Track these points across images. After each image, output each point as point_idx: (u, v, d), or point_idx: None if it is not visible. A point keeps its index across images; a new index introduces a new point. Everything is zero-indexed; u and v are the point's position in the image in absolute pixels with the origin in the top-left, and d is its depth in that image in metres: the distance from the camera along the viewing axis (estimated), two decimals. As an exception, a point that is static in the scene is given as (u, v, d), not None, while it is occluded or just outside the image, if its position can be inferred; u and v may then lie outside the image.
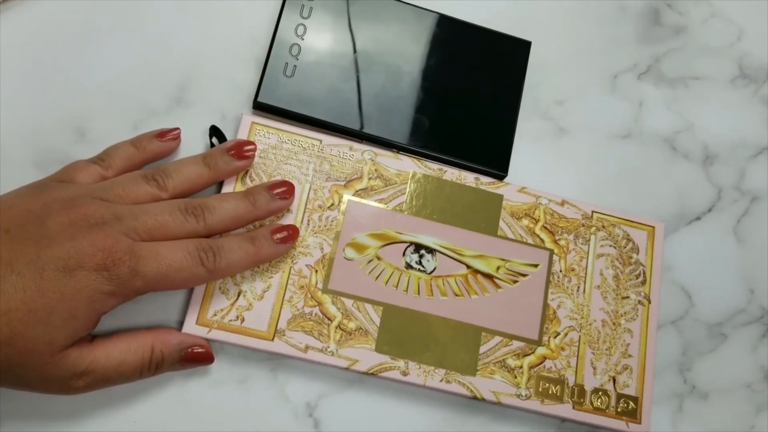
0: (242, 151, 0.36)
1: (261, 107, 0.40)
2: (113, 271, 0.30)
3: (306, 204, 0.38)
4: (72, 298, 0.29)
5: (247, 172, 0.38)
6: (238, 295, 0.36)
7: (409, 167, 0.40)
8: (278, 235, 0.35)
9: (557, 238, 0.41)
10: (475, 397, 0.37)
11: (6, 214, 0.30)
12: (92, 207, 0.31)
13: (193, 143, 0.40)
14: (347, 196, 0.39)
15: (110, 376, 0.32)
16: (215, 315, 0.36)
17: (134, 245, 0.31)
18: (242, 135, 0.38)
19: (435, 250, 0.39)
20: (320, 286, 0.37)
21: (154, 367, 0.33)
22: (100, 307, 0.30)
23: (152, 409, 0.36)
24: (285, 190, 0.36)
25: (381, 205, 0.39)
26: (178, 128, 0.38)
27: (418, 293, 0.38)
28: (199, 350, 0.35)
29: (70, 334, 0.30)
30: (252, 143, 0.37)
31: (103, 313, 0.31)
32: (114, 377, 0.32)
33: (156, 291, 0.32)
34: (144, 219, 0.32)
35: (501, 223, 0.40)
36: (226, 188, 0.38)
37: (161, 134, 0.37)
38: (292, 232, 0.36)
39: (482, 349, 0.38)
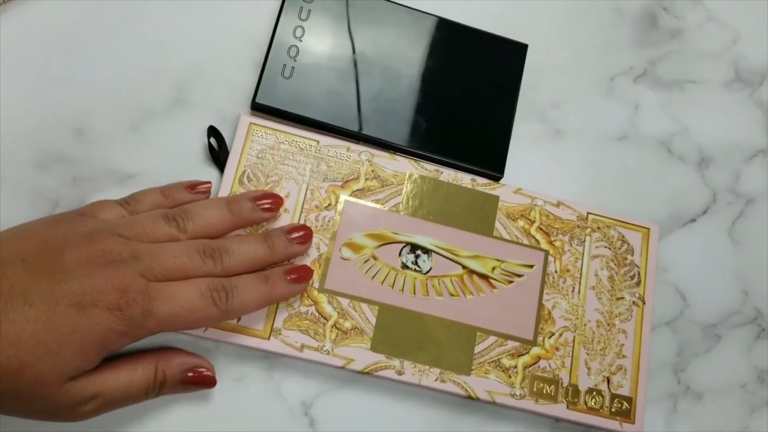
0: (269, 205, 0.37)
1: (259, 108, 0.40)
2: (127, 312, 0.30)
3: (303, 204, 0.39)
4: (83, 335, 0.29)
5: (244, 173, 0.38)
6: (235, 294, 0.36)
7: (405, 168, 0.40)
8: (292, 276, 0.35)
9: (552, 239, 0.41)
10: (469, 397, 0.38)
11: (24, 243, 0.31)
12: (110, 243, 0.31)
13: (192, 143, 0.40)
14: (344, 197, 0.39)
15: (118, 398, 0.32)
16: (212, 313, 0.36)
17: (149, 286, 0.31)
18: (240, 135, 0.39)
19: (431, 251, 0.39)
20: (316, 285, 0.38)
21: (158, 387, 0.33)
22: (110, 345, 0.30)
23: (147, 407, 0.36)
24: (303, 234, 0.36)
25: (377, 206, 0.39)
26: (209, 182, 0.38)
27: (414, 293, 0.39)
28: (201, 371, 0.35)
29: (78, 367, 0.30)
30: (279, 198, 0.37)
31: (112, 351, 0.31)
32: (122, 399, 0.32)
33: (168, 331, 0.32)
34: (162, 259, 0.32)
35: (497, 224, 0.40)
36: (223, 190, 0.38)
37: (191, 186, 0.37)
38: (306, 273, 0.36)
39: (477, 348, 0.38)
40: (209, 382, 0.35)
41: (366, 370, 0.37)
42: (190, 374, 0.34)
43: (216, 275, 0.33)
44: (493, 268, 0.40)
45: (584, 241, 0.41)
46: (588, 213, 0.42)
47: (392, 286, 0.38)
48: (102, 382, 0.31)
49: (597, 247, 0.41)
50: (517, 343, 0.39)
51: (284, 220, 0.38)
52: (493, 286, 0.39)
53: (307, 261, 0.38)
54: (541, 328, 0.39)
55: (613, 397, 0.39)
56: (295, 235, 0.36)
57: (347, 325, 0.37)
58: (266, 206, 0.36)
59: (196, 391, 0.35)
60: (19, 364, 0.28)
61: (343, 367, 0.37)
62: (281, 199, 0.37)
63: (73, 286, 0.29)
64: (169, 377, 0.33)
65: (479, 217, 0.40)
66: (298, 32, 0.41)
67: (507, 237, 0.40)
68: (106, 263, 0.30)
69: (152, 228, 0.33)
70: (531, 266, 0.40)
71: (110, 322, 0.30)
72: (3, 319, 0.28)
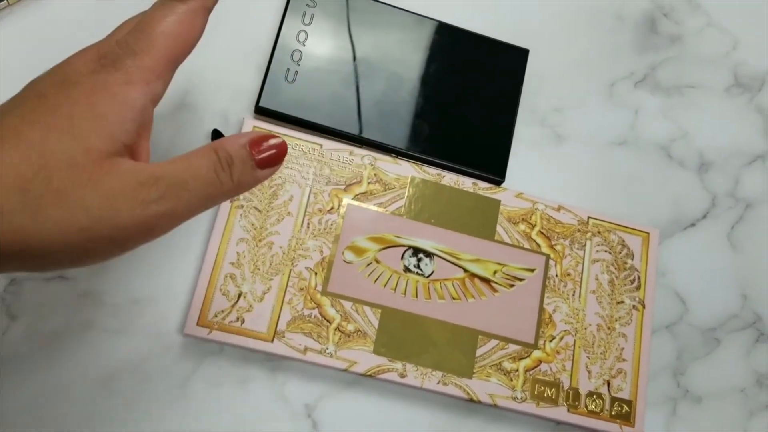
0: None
1: (262, 112, 0.40)
2: (110, 55, 0.26)
3: (306, 207, 0.39)
4: (86, 98, 0.25)
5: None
6: (239, 297, 0.37)
7: (408, 172, 0.41)
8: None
9: (553, 243, 0.41)
10: (471, 400, 0.38)
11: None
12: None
13: (195, 146, 0.40)
14: (347, 200, 0.39)
15: (184, 179, 0.26)
16: (216, 316, 0.36)
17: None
18: (244, 139, 0.39)
19: (433, 254, 0.40)
20: (320, 288, 0.38)
21: (226, 164, 0.27)
22: (123, 100, 0.25)
23: (152, 409, 0.36)
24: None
25: (380, 209, 0.40)
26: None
27: (416, 296, 0.39)
28: (272, 143, 0.28)
29: (104, 135, 0.24)
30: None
31: (134, 109, 0.25)
32: (189, 181, 0.26)
33: (173, 64, 0.27)
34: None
35: (498, 228, 0.41)
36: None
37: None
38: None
39: (479, 351, 0.39)
40: (280, 149, 0.28)
41: (369, 373, 0.37)
42: (258, 147, 0.28)
43: None
44: (495, 272, 0.40)
45: (585, 245, 0.42)
46: (588, 217, 0.42)
47: (394, 290, 0.39)
48: (156, 166, 0.25)
49: (597, 251, 0.42)
50: (518, 347, 0.39)
51: (288, 223, 0.38)
52: (494, 290, 0.40)
53: (310, 264, 0.38)
54: (542, 332, 0.40)
55: (614, 400, 0.39)
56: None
57: (350, 328, 0.37)
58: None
59: (272, 164, 0.28)
60: (39, 160, 0.23)
61: (345, 370, 0.37)
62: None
63: (49, 74, 0.26)
64: (234, 153, 0.27)
65: (481, 220, 0.41)
66: (302, 37, 0.41)
67: (508, 241, 0.41)
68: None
69: None
70: (532, 270, 0.40)
71: (103, 74, 0.25)
72: None
